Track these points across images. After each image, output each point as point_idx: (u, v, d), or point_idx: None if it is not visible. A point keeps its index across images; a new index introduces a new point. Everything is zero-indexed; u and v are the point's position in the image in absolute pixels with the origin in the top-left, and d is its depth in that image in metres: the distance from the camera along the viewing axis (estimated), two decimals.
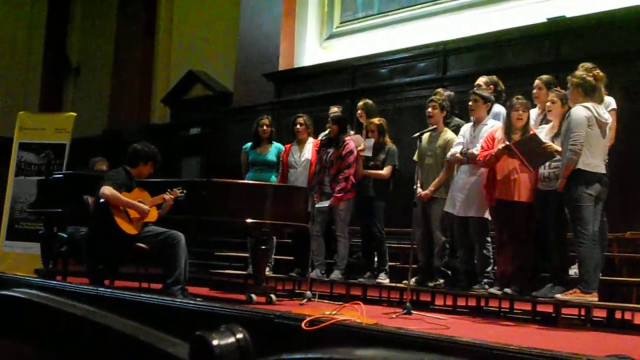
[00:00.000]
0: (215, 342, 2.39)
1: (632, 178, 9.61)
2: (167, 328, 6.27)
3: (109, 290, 7.77)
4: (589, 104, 6.98)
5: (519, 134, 7.57)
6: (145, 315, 6.61)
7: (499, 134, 7.73)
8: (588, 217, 6.85)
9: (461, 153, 8.12)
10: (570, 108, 7.14)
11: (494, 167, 7.70)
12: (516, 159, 7.40)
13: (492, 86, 8.70)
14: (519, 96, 7.76)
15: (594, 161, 6.93)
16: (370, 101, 9.78)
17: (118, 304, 7.01)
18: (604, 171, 7.02)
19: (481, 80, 8.82)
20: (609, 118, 7.06)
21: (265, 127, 9.78)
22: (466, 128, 8.34)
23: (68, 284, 8.34)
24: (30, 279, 8.87)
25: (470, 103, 8.25)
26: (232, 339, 2.44)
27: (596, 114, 6.93)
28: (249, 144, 9.95)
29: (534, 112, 8.11)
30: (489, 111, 8.22)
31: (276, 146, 9.86)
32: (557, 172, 7.17)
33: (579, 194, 6.86)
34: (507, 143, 7.44)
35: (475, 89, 8.46)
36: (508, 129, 7.66)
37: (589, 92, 7.05)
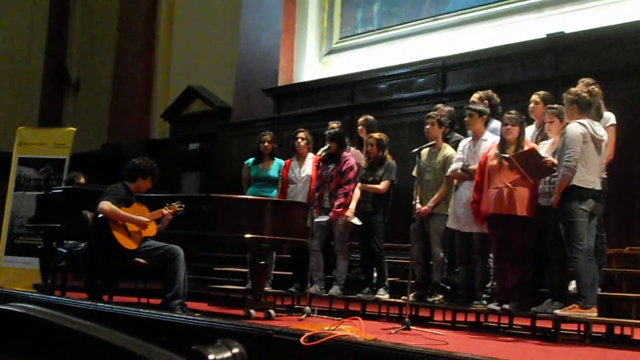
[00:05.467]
0: (211, 357, 2.38)
1: (631, 193, 9.61)
2: (166, 343, 6.25)
3: (108, 305, 7.76)
4: (584, 121, 6.99)
5: (512, 148, 7.60)
6: (143, 330, 6.60)
7: (493, 151, 7.75)
8: (582, 232, 6.85)
9: (462, 169, 8.13)
10: (567, 123, 7.16)
11: (481, 183, 7.76)
12: (516, 171, 7.41)
13: (487, 101, 8.73)
14: (511, 111, 7.82)
15: (589, 177, 6.94)
16: (371, 117, 9.80)
17: (116, 319, 7.00)
18: (599, 187, 7.03)
19: (475, 96, 8.86)
20: (604, 135, 7.07)
21: (267, 144, 9.78)
22: (465, 143, 8.36)
23: (66, 299, 8.34)
24: (28, 294, 8.86)
25: (466, 119, 8.28)
26: (228, 354, 2.42)
27: (592, 131, 6.94)
28: (251, 160, 9.95)
29: (530, 129, 8.16)
30: (486, 124, 8.25)
31: (278, 162, 9.86)
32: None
33: (573, 209, 6.87)
34: (507, 155, 7.46)
35: (469, 104, 8.48)
36: (502, 143, 7.69)
37: (584, 108, 7.07)
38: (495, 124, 8.39)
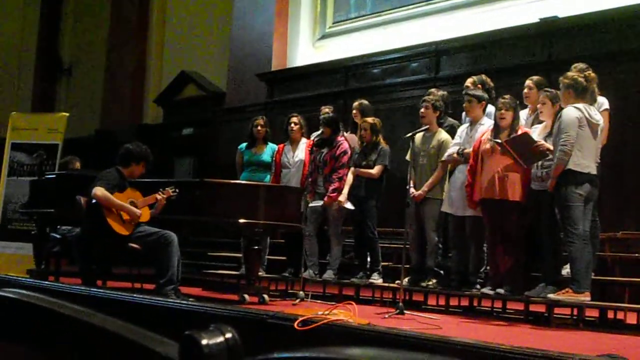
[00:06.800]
0: (204, 342, 2.40)
1: (624, 178, 9.63)
2: (159, 328, 6.26)
3: (102, 290, 7.75)
4: (580, 105, 6.99)
5: (506, 133, 7.60)
6: (137, 316, 6.60)
7: (486, 135, 7.76)
8: (578, 216, 6.86)
9: (458, 153, 8.13)
10: (561, 107, 7.16)
11: (475, 167, 7.76)
12: (509, 156, 7.42)
13: (480, 85, 8.71)
14: (505, 96, 7.80)
15: (585, 162, 6.93)
16: (365, 101, 9.76)
17: (110, 305, 7.00)
18: (595, 172, 7.03)
19: (469, 81, 8.83)
20: (600, 119, 7.07)
21: (260, 128, 9.78)
22: (462, 129, 8.35)
23: (60, 285, 8.32)
24: (22, 280, 8.85)
25: (465, 105, 8.27)
26: (221, 339, 2.45)
27: (587, 115, 6.94)
28: (244, 144, 9.95)
29: (524, 113, 8.16)
30: (484, 110, 8.24)
31: (271, 147, 9.86)
32: (549, 172, 7.17)
33: (569, 193, 6.87)
34: (500, 140, 7.46)
35: (466, 90, 8.47)
36: (496, 128, 7.69)
37: (580, 92, 7.07)
38: (489, 108, 8.38)
